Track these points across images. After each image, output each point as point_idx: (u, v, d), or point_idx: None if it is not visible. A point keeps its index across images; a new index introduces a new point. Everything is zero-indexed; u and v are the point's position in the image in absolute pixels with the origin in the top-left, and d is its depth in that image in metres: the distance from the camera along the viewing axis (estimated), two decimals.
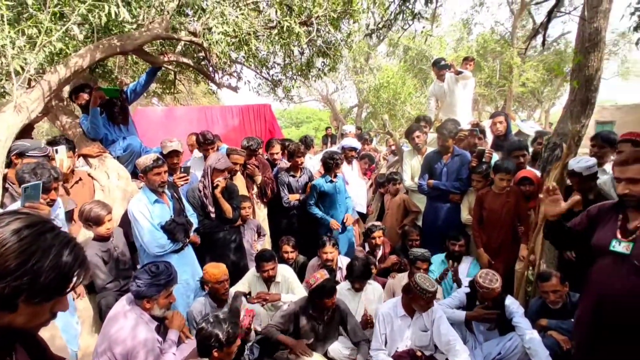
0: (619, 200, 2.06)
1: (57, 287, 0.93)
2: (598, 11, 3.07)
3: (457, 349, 2.73)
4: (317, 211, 4.31)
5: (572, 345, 2.72)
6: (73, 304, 2.77)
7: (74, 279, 0.96)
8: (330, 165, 4.28)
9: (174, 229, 3.09)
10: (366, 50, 11.88)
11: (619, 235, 1.99)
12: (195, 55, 4.63)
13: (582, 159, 3.21)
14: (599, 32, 3.12)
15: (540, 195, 2.44)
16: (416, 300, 2.82)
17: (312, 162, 5.54)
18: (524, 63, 11.04)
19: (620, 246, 1.96)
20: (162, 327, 2.57)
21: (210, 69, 4.47)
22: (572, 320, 2.81)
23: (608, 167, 3.47)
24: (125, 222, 3.27)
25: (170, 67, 4.73)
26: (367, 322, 3.20)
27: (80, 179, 3.38)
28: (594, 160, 3.20)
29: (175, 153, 3.69)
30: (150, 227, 3.00)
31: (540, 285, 3.02)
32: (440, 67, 5.78)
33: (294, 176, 4.56)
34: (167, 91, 5.79)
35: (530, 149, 4.30)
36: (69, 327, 2.61)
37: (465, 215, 4.07)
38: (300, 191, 4.55)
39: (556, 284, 2.90)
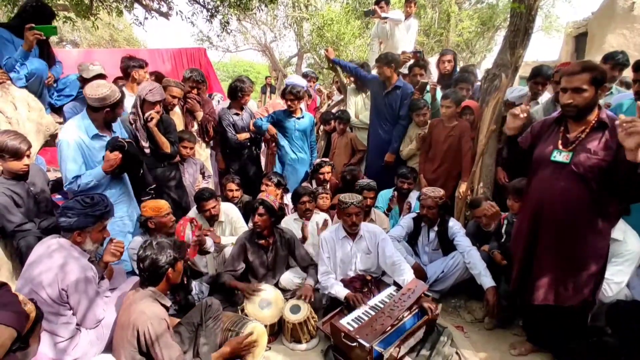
0: (560, 113, 2.17)
1: None
2: None
3: (402, 269, 2.82)
4: (260, 122, 4.21)
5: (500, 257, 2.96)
6: None
7: None
8: (289, 96, 4.13)
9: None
10: None
11: (560, 146, 2.11)
12: None
13: (515, 89, 3.37)
14: None
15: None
16: (339, 215, 2.96)
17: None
18: (460, 12, 11.33)
19: (561, 156, 2.10)
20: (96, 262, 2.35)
21: None
22: None
23: (541, 99, 3.68)
24: None
25: None
26: (305, 238, 3.39)
27: None
28: (525, 89, 3.36)
29: (99, 78, 3.23)
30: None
31: (473, 212, 3.22)
32: (365, 14, 5.63)
33: (237, 114, 4.27)
34: (82, 14, 4.94)
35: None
36: None
37: (405, 152, 4.14)
38: (246, 129, 4.29)
39: (486, 208, 3.08)
